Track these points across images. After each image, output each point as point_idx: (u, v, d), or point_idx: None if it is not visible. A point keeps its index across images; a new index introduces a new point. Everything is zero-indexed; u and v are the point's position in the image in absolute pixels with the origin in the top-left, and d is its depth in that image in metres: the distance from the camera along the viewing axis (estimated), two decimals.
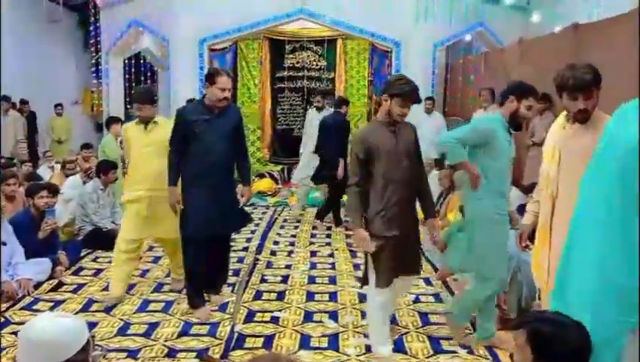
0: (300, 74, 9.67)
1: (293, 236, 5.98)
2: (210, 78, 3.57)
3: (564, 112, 2.53)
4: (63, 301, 3.98)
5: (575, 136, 2.40)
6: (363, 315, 3.70)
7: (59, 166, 7.03)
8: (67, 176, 6.31)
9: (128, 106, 10.32)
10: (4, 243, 4.08)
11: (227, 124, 3.68)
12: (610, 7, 5.23)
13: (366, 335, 3.35)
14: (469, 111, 7.55)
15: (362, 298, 4.05)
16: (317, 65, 9.69)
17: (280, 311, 3.81)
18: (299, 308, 3.88)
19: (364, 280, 3.24)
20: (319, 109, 7.06)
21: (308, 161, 6.83)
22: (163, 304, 3.91)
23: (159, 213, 3.88)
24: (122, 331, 3.46)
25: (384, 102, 2.97)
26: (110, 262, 4.88)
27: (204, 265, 3.73)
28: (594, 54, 4.50)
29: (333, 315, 3.74)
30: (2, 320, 3.58)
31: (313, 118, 7.00)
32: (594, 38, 5.07)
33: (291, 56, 9.65)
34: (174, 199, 3.63)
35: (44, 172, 7.07)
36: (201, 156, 3.58)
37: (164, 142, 3.73)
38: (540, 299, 3.01)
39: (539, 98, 5.29)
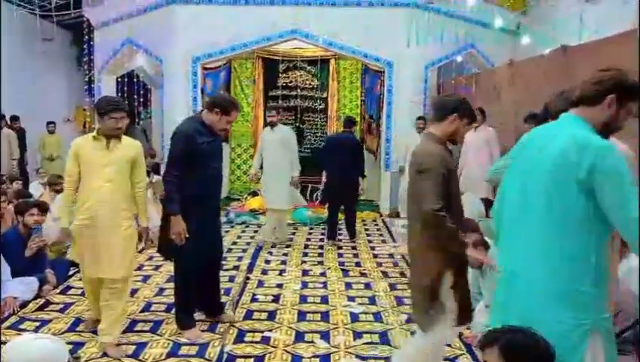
0: (294, 93, 9.74)
1: (285, 255, 5.94)
2: (225, 110, 3.52)
3: None
4: (50, 320, 3.90)
5: None
6: (355, 336, 3.67)
7: None
8: (57, 192, 6.25)
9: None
10: None
11: (221, 145, 3.77)
12: (598, 30, 5.32)
13: (358, 356, 3.31)
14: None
15: (354, 318, 4.02)
16: (310, 84, 9.77)
17: (271, 331, 3.76)
18: (290, 327, 3.83)
19: (424, 322, 2.65)
20: (273, 125, 6.31)
21: (274, 182, 6.27)
22: (151, 324, 3.85)
23: (112, 245, 3.35)
24: None
25: (450, 122, 2.67)
26: None
27: (198, 285, 3.73)
28: (582, 75, 4.56)
29: (325, 335, 3.69)
30: None
31: (266, 135, 6.41)
32: (582, 60, 5.14)
33: (285, 75, 9.73)
34: (179, 228, 3.42)
35: (35, 189, 7.00)
36: (207, 179, 3.57)
37: (126, 163, 3.38)
38: None
39: (528, 118, 5.36)
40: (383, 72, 8.51)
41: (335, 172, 6.38)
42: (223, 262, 5.29)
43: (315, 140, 9.83)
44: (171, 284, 4.74)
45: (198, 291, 3.75)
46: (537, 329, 1.75)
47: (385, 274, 5.23)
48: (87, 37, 9.52)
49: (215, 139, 3.63)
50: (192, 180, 3.47)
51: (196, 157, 3.47)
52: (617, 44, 4.57)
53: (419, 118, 7.79)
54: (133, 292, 4.53)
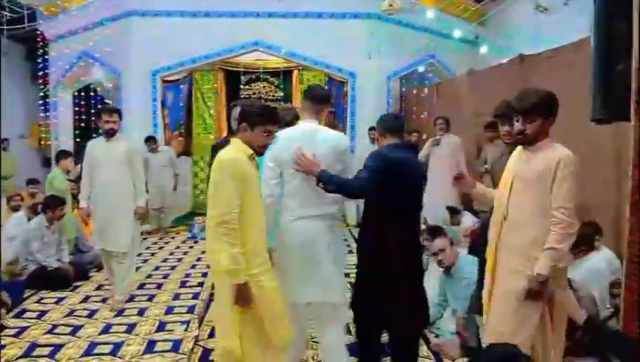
0: None
1: None
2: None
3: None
4: (4, 346, 3.69)
5: (527, 161, 2.43)
6: None
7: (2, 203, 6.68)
8: (14, 210, 6.03)
9: (78, 139, 10.03)
10: None
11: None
12: (554, 39, 5.47)
13: None
14: (423, 140, 7.69)
15: None
16: (273, 96, 9.72)
17: None
18: None
19: None
20: (110, 135, 4.45)
21: (109, 213, 4.44)
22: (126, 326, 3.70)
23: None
24: None
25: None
26: (56, 302, 4.63)
27: None
28: (539, 83, 4.67)
29: None
30: None
31: (98, 149, 4.50)
32: (539, 68, 5.27)
33: (247, 87, 9.66)
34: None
35: None
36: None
37: None
38: None
39: (488, 126, 5.45)
40: (347, 82, 8.55)
41: None
42: (187, 279, 5.21)
43: None
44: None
45: None
46: None
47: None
48: (41, 51, 9.25)
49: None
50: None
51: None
52: (571, 52, 4.71)
53: (371, 129, 7.83)
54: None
